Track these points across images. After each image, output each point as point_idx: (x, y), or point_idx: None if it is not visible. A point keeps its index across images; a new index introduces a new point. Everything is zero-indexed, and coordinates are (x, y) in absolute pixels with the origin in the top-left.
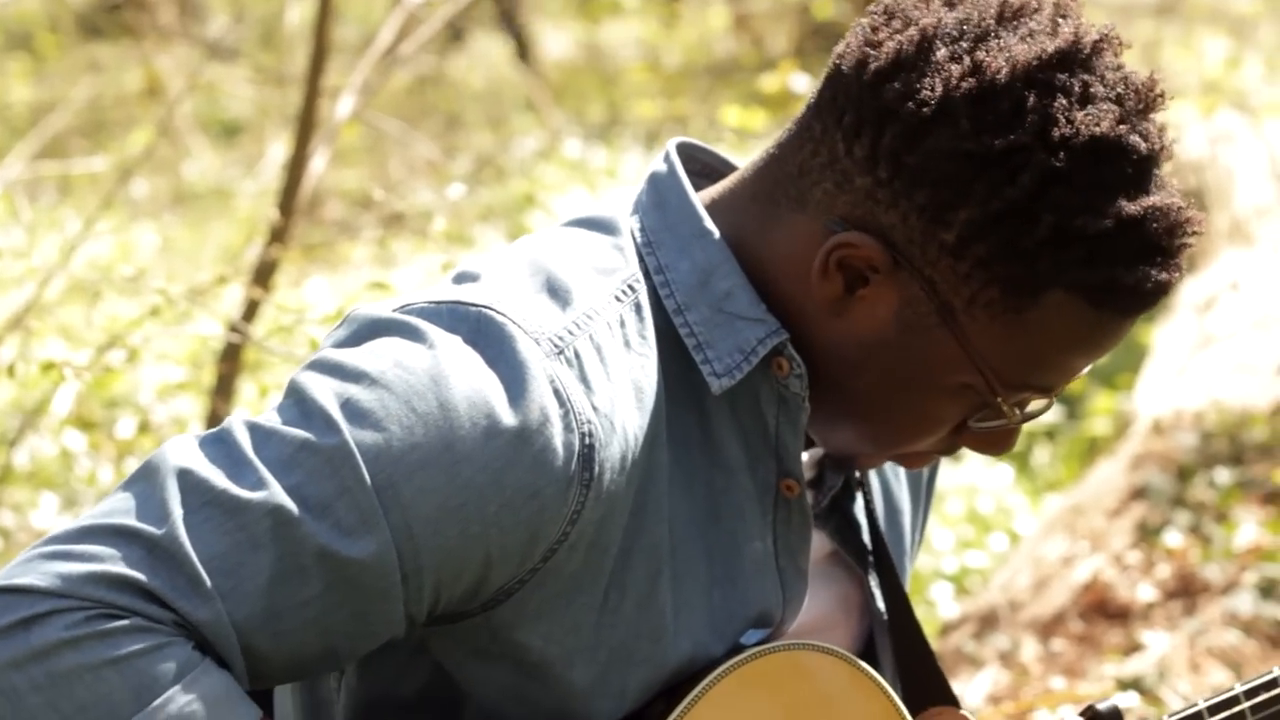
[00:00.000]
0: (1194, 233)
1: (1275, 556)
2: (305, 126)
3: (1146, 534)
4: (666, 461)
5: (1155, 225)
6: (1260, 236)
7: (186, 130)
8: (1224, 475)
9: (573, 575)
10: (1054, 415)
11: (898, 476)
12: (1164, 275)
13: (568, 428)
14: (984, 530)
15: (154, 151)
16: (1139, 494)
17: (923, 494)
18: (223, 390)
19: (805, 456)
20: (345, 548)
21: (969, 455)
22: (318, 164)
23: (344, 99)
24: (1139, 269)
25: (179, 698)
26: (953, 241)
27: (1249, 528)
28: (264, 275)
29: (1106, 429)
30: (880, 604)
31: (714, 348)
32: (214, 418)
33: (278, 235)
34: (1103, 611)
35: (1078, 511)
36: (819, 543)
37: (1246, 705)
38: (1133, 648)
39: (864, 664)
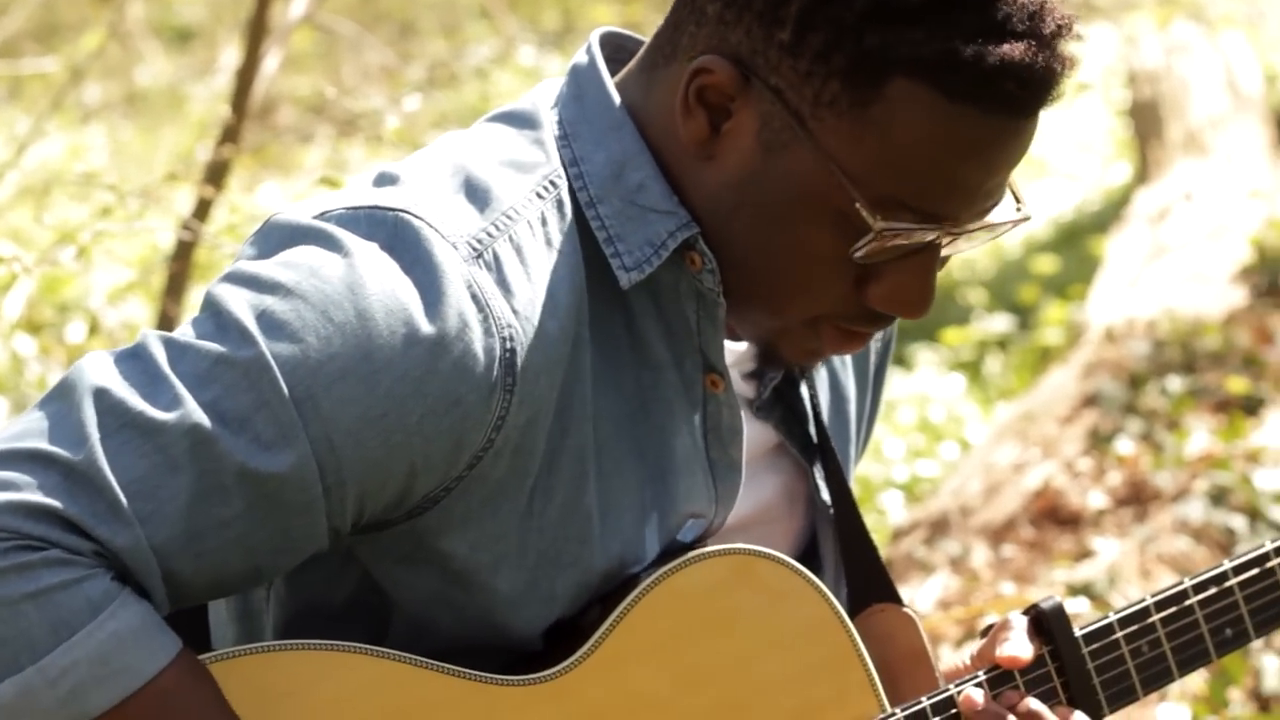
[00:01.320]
0: (1063, 21)
1: (1226, 465)
2: (257, 26)
3: (1098, 441)
4: (591, 361)
5: None
6: (1215, 147)
7: (139, 34)
8: (1176, 383)
9: (498, 481)
10: (1006, 325)
11: (844, 365)
12: (1013, 54)
13: (488, 333)
14: (935, 439)
15: (105, 54)
16: (1091, 401)
17: (870, 383)
18: (173, 291)
19: (743, 347)
20: (265, 462)
21: (921, 363)
22: (270, 65)
23: (296, 0)
24: (981, 44)
25: (98, 632)
26: (789, 39)
27: (1200, 435)
28: (216, 175)
29: (1058, 339)
30: (825, 496)
31: (624, 241)
32: (165, 320)
33: (230, 135)
34: (1054, 518)
35: (1029, 418)
36: (763, 435)
37: (1195, 599)
38: (1083, 554)
39: (801, 567)
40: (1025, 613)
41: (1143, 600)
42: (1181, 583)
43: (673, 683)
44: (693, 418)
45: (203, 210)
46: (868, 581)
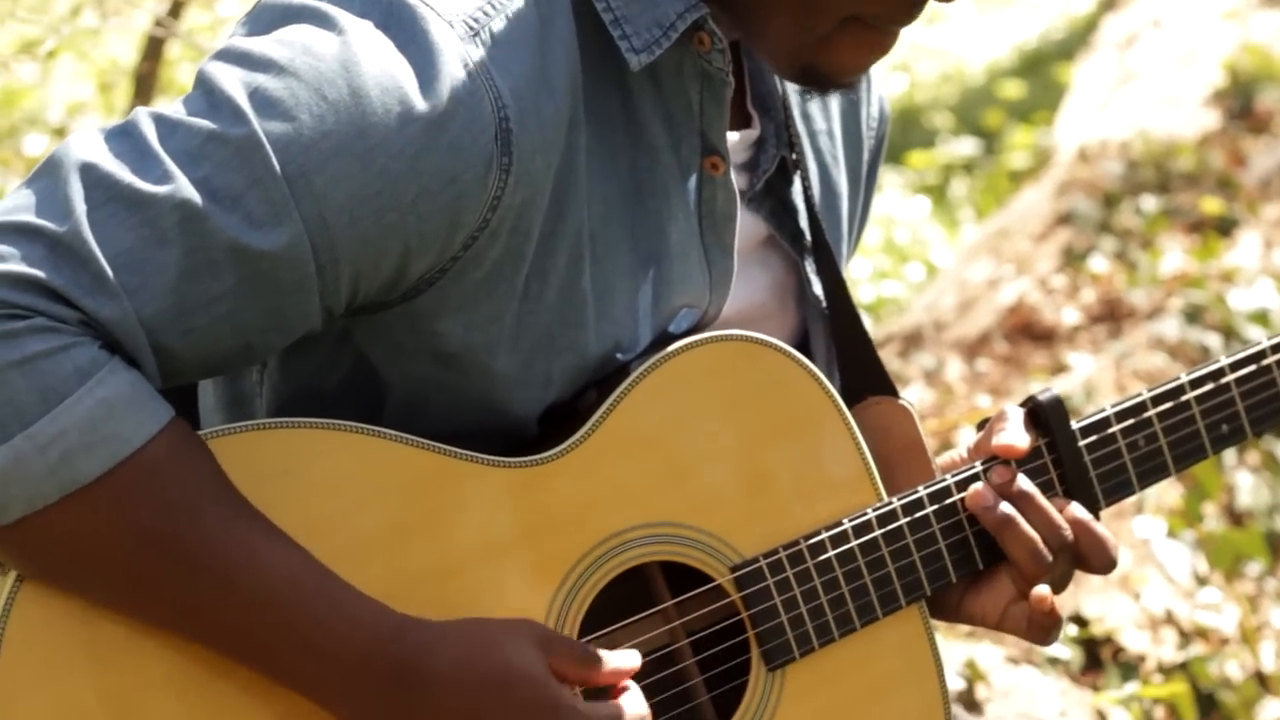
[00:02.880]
0: None
1: (1201, 284)
2: None
3: (1072, 259)
4: (587, 143)
5: None
6: None
7: None
8: (1150, 203)
9: (494, 263)
10: (971, 149)
11: (836, 161)
12: None
13: (484, 111)
14: (900, 261)
15: None
16: (1065, 220)
17: (862, 183)
18: (142, 93)
19: (736, 137)
20: (256, 240)
21: (886, 185)
22: None
23: None
24: None
25: (86, 399)
26: None
27: (1174, 255)
28: None
29: (1024, 163)
30: (817, 290)
31: (631, 23)
32: None
33: None
34: (1028, 334)
35: (1003, 235)
36: (754, 228)
37: (1191, 395)
38: (1058, 369)
39: (799, 354)
40: (1022, 405)
41: (1139, 395)
42: (1178, 379)
43: (669, 467)
44: (688, 203)
45: (175, 9)
46: (862, 375)
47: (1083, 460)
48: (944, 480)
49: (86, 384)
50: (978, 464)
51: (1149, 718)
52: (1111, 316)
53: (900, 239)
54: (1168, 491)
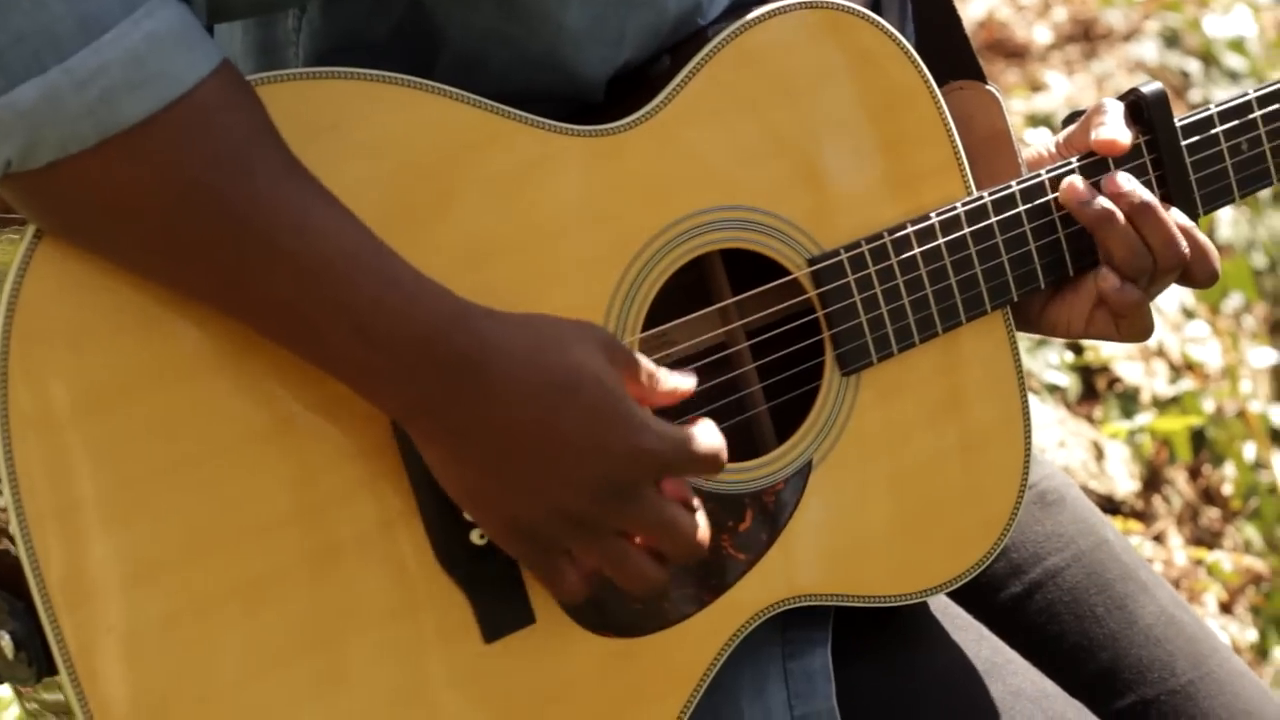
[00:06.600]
0: None
1: (1177, 7)
2: None
3: None
4: None
5: None
6: None
7: None
8: None
9: None
10: None
11: None
12: None
13: None
14: None
15: None
16: None
17: None
18: None
19: None
20: None
21: None
22: None
23: None
24: None
25: (131, 32)
26: None
27: None
28: None
29: None
30: None
31: None
32: None
33: None
34: (999, 50)
35: None
36: None
37: (1258, 114)
38: (1036, 87)
39: (890, 27)
40: (1121, 98)
41: (1244, 94)
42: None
43: (746, 145)
44: None
45: None
46: (946, 57)
47: (1184, 161)
48: (1037, 175)
49: (133, 14)
50: (1073, 160)
51: (1143, 453)
52: (1086, 37)
53: None
54: None
